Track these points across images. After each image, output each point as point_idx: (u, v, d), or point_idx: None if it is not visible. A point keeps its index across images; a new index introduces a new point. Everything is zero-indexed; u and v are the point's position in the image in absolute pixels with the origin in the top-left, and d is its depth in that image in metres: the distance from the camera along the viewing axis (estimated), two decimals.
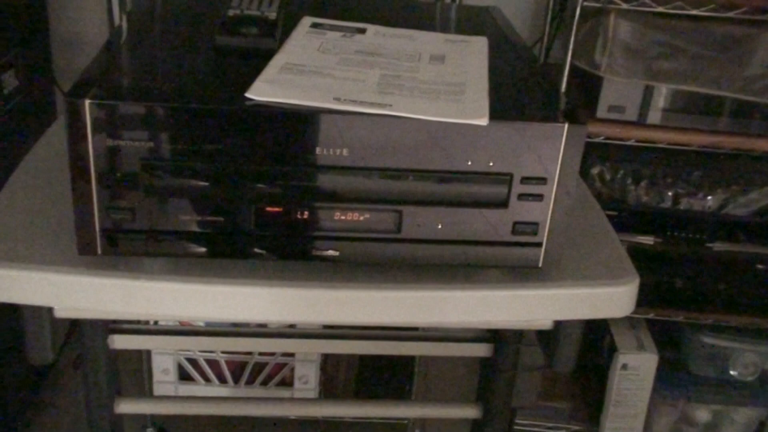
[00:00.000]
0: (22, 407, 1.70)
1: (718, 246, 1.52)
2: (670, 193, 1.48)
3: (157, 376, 1.63)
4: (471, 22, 0.96)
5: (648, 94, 1.40)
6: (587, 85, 1.44)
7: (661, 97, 1.41)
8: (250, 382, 1.63)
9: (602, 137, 1.43)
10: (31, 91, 1.60)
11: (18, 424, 1.68)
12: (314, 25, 0.84)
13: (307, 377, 1.62)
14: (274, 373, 1.63)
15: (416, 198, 0.68)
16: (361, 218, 0.68)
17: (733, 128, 1.42)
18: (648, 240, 1.51)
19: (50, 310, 0.73)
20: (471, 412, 1.08)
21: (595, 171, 1.47)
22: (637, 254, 1.48)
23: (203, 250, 0.68)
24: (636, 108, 1.42)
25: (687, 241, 1.52)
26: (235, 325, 1.11)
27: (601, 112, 1.42)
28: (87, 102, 0.62)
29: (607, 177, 1.47)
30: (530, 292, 0.71)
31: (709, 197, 1.47)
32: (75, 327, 1.02)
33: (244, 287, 0.68)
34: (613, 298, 0.73)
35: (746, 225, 1.52)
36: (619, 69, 1.37)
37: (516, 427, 1.63)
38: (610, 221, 0.82)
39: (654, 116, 1.42)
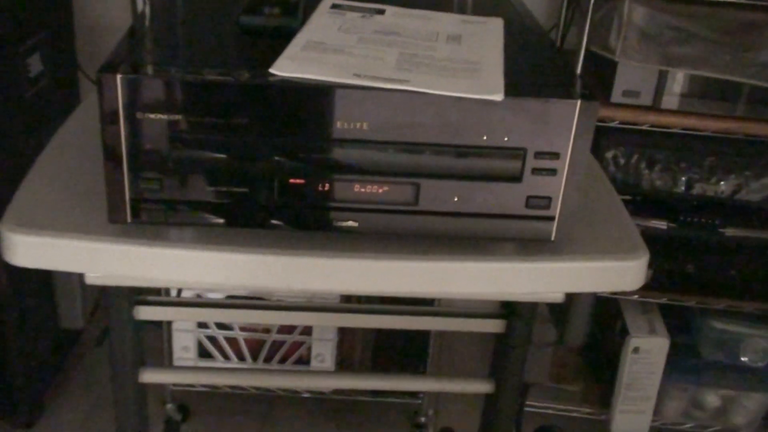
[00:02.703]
0: (48, 380, 1.74)
1: (731, 231, 1.54)
2: (683, 178, 1.49)
3: (177, 353, 1.66)
4: (487, 5, 0.98)
5: (662, 79, 1.42)
6: (602, 70, 1.46)
7: (675, 82, 1.42)
8: (267, 359, 1.66)
9: (616, 122, 1.45)
10: (55, 76, 1.63)
11: (44, 396, 1.72)
12: (334, 6, 0.86)
13: (324, 356, 1.66)
14: (292, 352, 1.66)
15: (433, 171, 0.70)
16: (380, 191, 0.71)
17: (747, 114, 1.43)
18: (661, 225, 1.53)
19: (81, 276, 0.76)
20: (484, 387, 1.10)
21: (609, 155, 1.49)
22: (650, 239, 1.49)
23: (227, 220, 0.71)
24: (650, 93, 1.43)
25: (700, 226, 1.53)
26: (254, 299, 1.14)
27: (616, 96, 1.44)
28: (118, 77, 0.65)
29: (621, 161, 1.49)
30: (543, 265, 0.73)
31: (723, 182, 1.49)
32: (99, 304, 1.06)
33: (266, 256, 0.71)
34: (623, 272, 0.75)
35: (759, 210, 1.53)
36: (634, 54, 1.38)
37: (528, 409, 1.65)
38: (627, 211, 0.84)
39: (668, 101, 1.43)
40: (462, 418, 1.62)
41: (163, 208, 0.70)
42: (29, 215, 0.72)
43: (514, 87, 0.68)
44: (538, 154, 0.70)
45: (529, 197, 0.71)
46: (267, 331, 1.63)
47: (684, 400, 1.71)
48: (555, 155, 0.70)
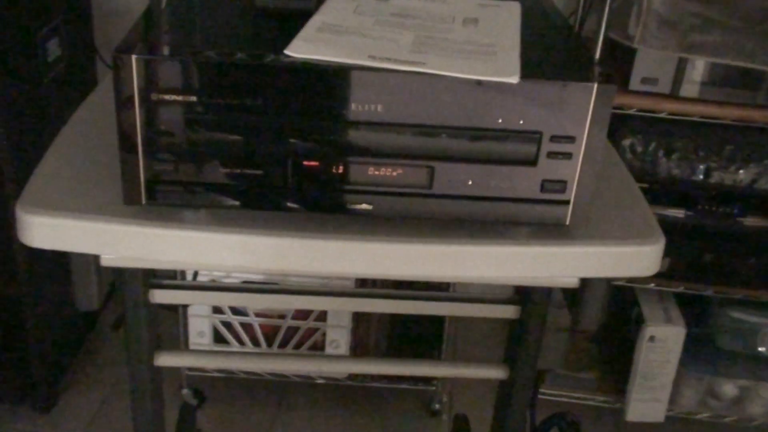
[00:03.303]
0: (66, 365, 1.76)
1: (749, 220, 1.52)
2: (701, 167, 1.48)
3: (193, 338, 1.67)
4: None
5: (681, 66, 1.40)
6: (620, 58, 1.45)
7: (695, 70, 1.41)
8: (282, 345, 1.67)
9: (634, 109, 1.44)
10: (73, 61, 1.64)
11: (61, 381, 1.74)
12: None
13: (338, 342, 1.66)
14: (306, 338, 1.66)
15: (448, 154, 0.70)
16: (394, 173, 0.71)
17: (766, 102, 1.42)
18: (678, 213, 1.52)
19: (97, 258, 0.76)
20: (498, 373, 1.10)
21: (626, 143, 1.48)
22: (667, 227, 1.48)
23: (241, 202, 0.71)
24: (669, 80, 1.42)
25: (717, 215, 1.52)
26: (269, 283, 1.14)
27: (634, 84, 1.42)
28: (134, 57, 0.65)
29: (639, 149, 1.48)
30: (557, 249, 0.73)
31: (741, 171, 1.48)
32: (115, 289, 1.06)
33: (280, 238, 0.71)
34: (638, 258, 0.75)
35: None
36: (653, 41, 1.37)
37: (542, 397, 1.65)
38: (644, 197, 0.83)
39: (687, 89, 1.42)
40: (476, 405, 1.62)
41: (178, 189, 0.71)
42: (45, 197, 0.73)
43: (530, 70, 0.68)
44: (554, 138, 0.69)
45: (544, 181, 0.71)
46: (282, 317, 1.64)
47: (700, 390, 1.70)
48: (571, 139, 0.69)
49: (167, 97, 0.67)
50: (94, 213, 0.71)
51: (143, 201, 0.71)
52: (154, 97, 0.67)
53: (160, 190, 0.70)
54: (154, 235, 0.70)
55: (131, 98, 0.66)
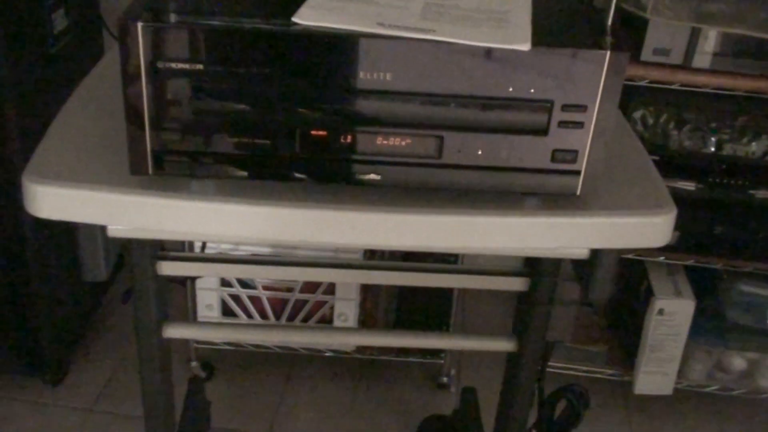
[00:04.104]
0: (75, 338, 1.77)
1: (761, 193, 1.51)
2: (713, 139, 1.46)
3: (201, 311, 1.68)
4: None
5: (694, 37, 1.38)
6: (632, 28, 1.43)
7: (707, 41, 1.39)
8: (290, 318, 1.67)
9: (646, 81, 1.42)
10: (80, 32, 1.63)
11: (70, 354, 1.75)
12: None
13: (346, 315, 1.66)
14: (314, 311, 1.66)
15: (457, 124, 0.69)
16: (403, 143, 0.70)
17: None
18: (689, 186, 1.51)
19: (104, 228, 0.76)
20: (506, 345, 1.10)
21: (637, 115, 1.46)
22: (678, 200, 1.47)
23: (248, 172, 0.70)
24: (681, 51, 1.40)
25: (729, 188, 1.51)
26: (276, 256, 1.14)
27: (646, 55, 1.41)
28: (140, 24, 0.64)
29: (650, 121, 1.47)
30: (568, 220, 0.72)
31: (754, 143, 1.46)
32: (124, 259, 1.06)
33: (287, 209, 0.71)
34: (649, 228, 0.74)
35: None
36: (666, 11, 1.35)
37: (551, 370, 1.65)
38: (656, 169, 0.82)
39: (700, 60, 1.40)
40: (484, 378, 1.62)
41: (185, 160, 0.70)
42: (52, 167, 0.72)
43: (541, 38, 0.67)
44: (565, 107, 0.68)
45: (555, 151, 0.70)
46: (290, 290, 1.64)
47: (709, 363, 1.70)
48: (582, 108, 0.68)
49: (174, 65, 0.66)
50: (101, 183, 0.70)
51: (150, 171, 0.70)
52: (160, 65, 0.66)
53: (166, 160, 0.70)
54: (161, 205, 0.70)
55: (137, 67, 0.66)
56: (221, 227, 0.71)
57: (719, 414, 1.78)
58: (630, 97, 1.46)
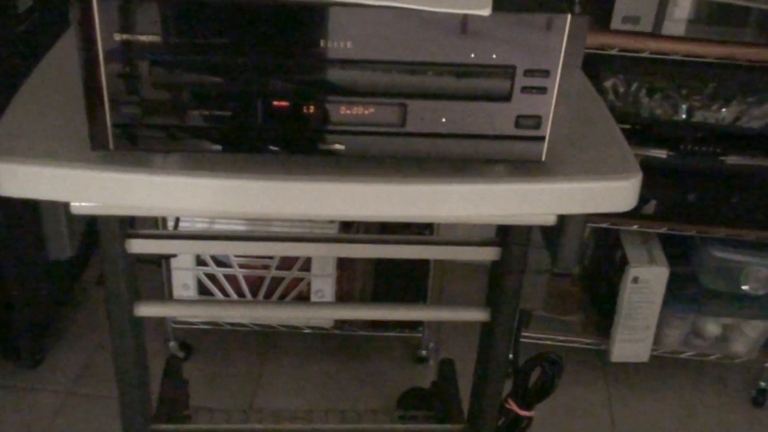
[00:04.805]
0: (51, 321, 1.76)
1: (732, 159, 1.52)
2: (684, 106, 1.47)
3: (177, 291, 1.67)
4: None
5: (663, 4, 1.38)
6: None
7: (677, 7, 1.39)
8: (267, 296, 1.67)
9: (616, 49, 1.42)
10: (45, 11, 1.60)
11: (46, 337, 1.73)
12: None
13: (323, 291, 1.66)
14: (291, 288, 1.66)
15: (420, 91, 0.69)
16: (366, 112, 0.69)
17: (753, 39, 1.40)
18: (661, 153, 1.51)
19: (66, 205, 0.75)
20: (480, 315, 1.10)
21: (608, 84, 1.46)
22: (650, 168, 1.48)
23: (211, 145, 0.70)
24: (651, 19, 1.40)
25: (700, 155, 1.51)
26: (250, 231, 1.13)
27: (615, 23, 1.40)
28: None
29: (621, 90, 1.47)
30: (533, 186, 0.72)
31: (724, 110, 1.47)
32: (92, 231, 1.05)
33: (252, 181, 0.70)
34: (615, 193, 0.74)
35: (761, 138, 1.51)
36: None
37: (527, 340, 1.66)
38: (623, 135, 0.83)
39: (670, 27, 1.40)
40: (463, 350, 1.62)
41: (147, 134, 0.69)
42: (12, 144, 0.71)
43: (502, 2, 0.66)
44: (528, 72, 0.68)
45: (518, 117, 0.70)
46: (266, 267, 1.64)
47: (684, 329, 1.71)
48: (545, 73, 0.68)
49: (130, 37, 0.65)
50: (62, 159, 0.70)
51: (111, 146, 0.69)
52: (116, 37, 0.65)
53: (127, 134, 0.69)
54: (122, 180, 0.69)
55: (93, 39, 0.65)
56: (184, 201, 0.70)
57: (695, 379, 1.80)
58: (601, 66, 1.46)
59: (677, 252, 1.68)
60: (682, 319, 1.69)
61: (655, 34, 1.41)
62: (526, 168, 0.73)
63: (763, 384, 1.74)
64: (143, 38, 0.65)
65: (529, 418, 1.19)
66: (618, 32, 1.41)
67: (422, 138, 0.71)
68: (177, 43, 0.65)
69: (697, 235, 1.59)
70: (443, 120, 0.70)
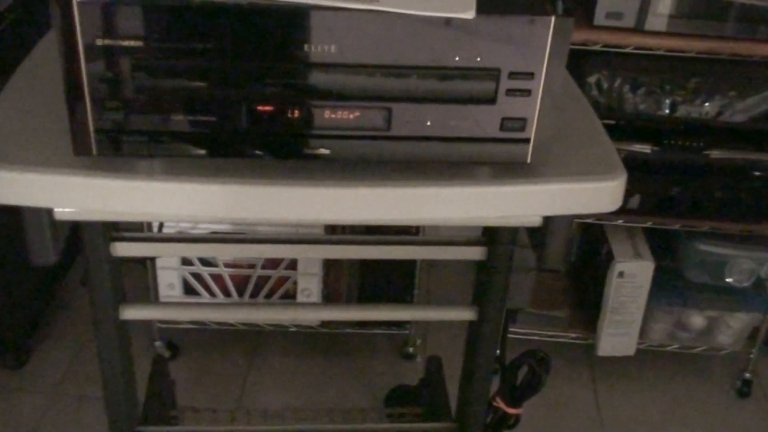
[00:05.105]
0: (35, 321, 1.74)
1: (716, 153, 1.52)
2: (667, 101, 1.47)
3: (163, 291, 1.66)
4: None
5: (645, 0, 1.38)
6: None
7: (660, 2, 1.39)
8: (253, 295, 1.66)
9: (600, 45, 1.42)
10: (26, 9, 1.59)
11: (31, 337, 1.72)
12: None
13: (310, 290, 1.66)
14: (277, 287, 1.66)
15: (405, 95, 0.68)
16: (351, 116, 0.69)
17: (735, 34, 1.40)
18: (645, 148, 1.52)
19: (50, 211, 0.74)
20: (467, 314, 1.10)
21: (592, 79, 1.47)
22: (634, 163, 1.49)
23: (195, 150, 0.69)
24: (634, 14, 1.40)
25: (684, 149, 1.52)
26: (235, 233, 1.13)
27: (599, 19, 1.40)
28: (75, 0, 0.63)
29: (605, 86, 1.47)
30: (518, 188, 0.72)
31: (707, 104, 1.47)
32: (76, 233, 1.04)
33: (236, 186, 0.70)
34: (600, 193, 0.74)
35: (744, 132, 1.52)
36: None
37: (514, 336, 1.67)
38: (607, 130, 0.83)
39: (653, 22, 1.40)
40: (450, 347, 1.63)
41: (130, 139, 0.69)
42: None
43: (486, 5, 0.66)
44: (513, 74, 0.68)
45: (503, 119, 0.70)
46: (252, 266, 1.63)
47: (669, 322, 1.72)
48: (529, 75, 0.68)
49: (113, 42, 0.64)
50: (44, 165, 0.69)
51: (94, 152, 0.69)
52: (98, 42, 0.64)
53: (110, 139, 0.68)
54: (106, 186, 0.68)
55: (74, 44, 0.64)
56: (169, 207, 0.70)
57: (681, 372, 1.81)
58: (584, 62, 1.46)
59: (662, 246, 1.69)
60: (667, 312, 1.70)
61: (639, 30, 1.41)
62: (512, 170, 0.73)
63: (747, 375, 1.76)
64: (125, 42, 0.64)
65: (517, 416, 1.19)
66: (601, 28, 1.41)
67: (407, 141, 0.70)
68: (160, 48, 0.65)
69: (682, 229, 1.60)
70: (428, 123, 0.70)
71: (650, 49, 1.42)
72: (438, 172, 0.72)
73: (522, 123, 0.70)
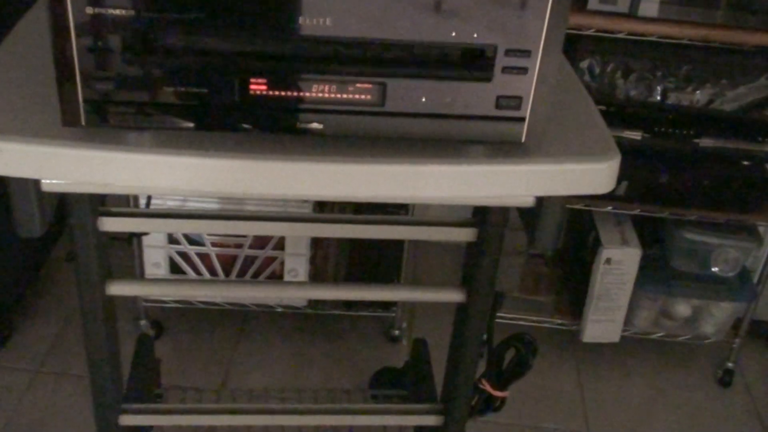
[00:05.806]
0: (18, 298, 1.73)
1: (705, 142, 1.52)
2: (659, 88, 1.47)
3: (148, 269, 1.65)
4: None
5: None
6: None
7: None
8: (240, 275, 1.66)
9: (592, 29, 1.41)
10: None
11: (14, 314, 1.71)
12: None
13: (297, 270, 1.65)
14: (265, 267, 1.65)
15: (400, 70, 0.68)
16: (345, 91, 0.68)
17: (728, 21, 1.40)
18: (635, 135, 1.52)
19: (37, 182, 0.73)
20: (455, 296, 1.10)
21: (584, 64, 1.46)
22: (624, 150, 1.48)
23: (185, 122, 0.68)
24: (627, 0, 1.40)
25: (674, 137, 1.52)
26: (223, 210, 1.12)
27: (592, 3, 1.40)
28: None
29: (597, 70, 1.47)
30: (512, 167, 0.72)
31: (698, 92, 1.47)
32: (63, 206, 1.03)
33: (227, 160, 0.69)
34: (594, 175, 0.74)
35: (734, 120, 1.52)
36: None
37: (500, 321, 1.67)
38: (601, 116, 0.82)
39: (647, 8, 1.40)
40: (436, 330, 1.63)
41: (120, 110, 0.68)
42: None
43: None
44: (509, 52, 0.67)
45: (499, 97, 0.69)
46: (239, 246, 1.62)
47: (654, 310, 1.73)
48: (526, 53, 0.67)
49: (103, 10, 0.63)
50: (32, 136, 0.68)
51: (82, 122, 0.68)
52: (88, 11, 0.63)
53: (99, 110, 0.67)
54: (94, 157, 0.67)
55: (64, 12, 0.63)
56: (158, 180, 0.69)
57: (664, 360, 1.82)
58: (577, 47, 1.46)
59: (650, 234, 1.69)
60: (652, 300, 1.71)
61: (632, 15, 1.41)
62: (506, 149, 0.73)
63: (730, 364, 1.77)
64: (116, 12, 0.63)
65: (503, 399, 1.19)
66: (595, 13, 1.40)
67: (402, 118, 0.70)
68: (150, 18, 0.64)
69: (669, 217, 1.60)
70: (423, 100, 0.69)
71: (643, 35, 1.41)
72: (431, 150, 0.72)
73: (517, 101, 0.69)
